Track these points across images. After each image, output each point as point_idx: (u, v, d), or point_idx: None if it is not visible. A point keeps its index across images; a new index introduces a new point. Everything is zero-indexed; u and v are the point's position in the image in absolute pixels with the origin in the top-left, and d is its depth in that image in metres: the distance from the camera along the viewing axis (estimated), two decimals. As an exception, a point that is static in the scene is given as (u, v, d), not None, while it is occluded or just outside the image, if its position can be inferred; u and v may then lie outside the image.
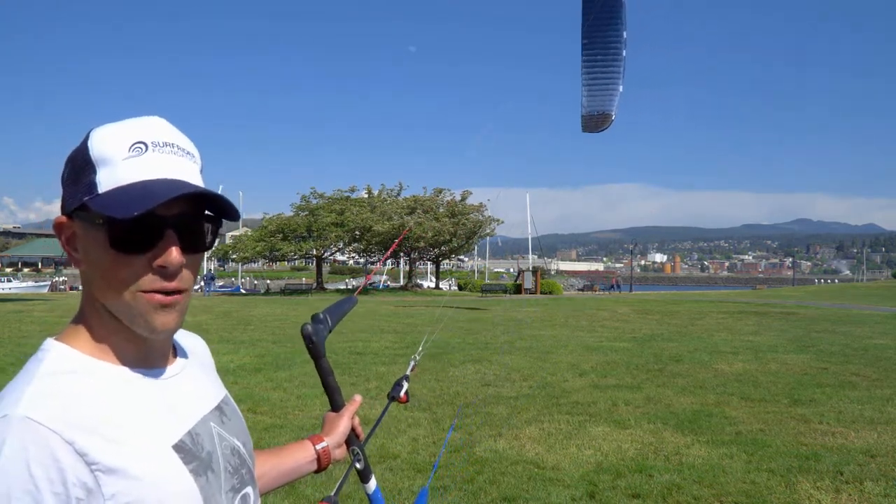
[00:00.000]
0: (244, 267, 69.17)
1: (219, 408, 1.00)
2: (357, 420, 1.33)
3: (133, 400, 0.85)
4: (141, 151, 0.85)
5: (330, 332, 1.34)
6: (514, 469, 5.26)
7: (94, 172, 0.85)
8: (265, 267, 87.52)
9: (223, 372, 10.82)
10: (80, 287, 0.93)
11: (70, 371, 0.83)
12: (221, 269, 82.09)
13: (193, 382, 0.98)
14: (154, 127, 0.89)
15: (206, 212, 0.91)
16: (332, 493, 1.29)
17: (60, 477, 0.74)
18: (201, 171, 0.94)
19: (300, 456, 1.24)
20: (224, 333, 15.33)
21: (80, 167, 0.87)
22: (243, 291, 52.89)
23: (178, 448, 0.86)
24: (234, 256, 51.30)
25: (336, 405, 1.32)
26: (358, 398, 1.36)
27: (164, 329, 0.87)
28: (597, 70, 19.12)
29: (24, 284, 54.14)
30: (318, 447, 1.26)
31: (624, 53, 18.68)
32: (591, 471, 5.22)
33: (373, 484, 1.33)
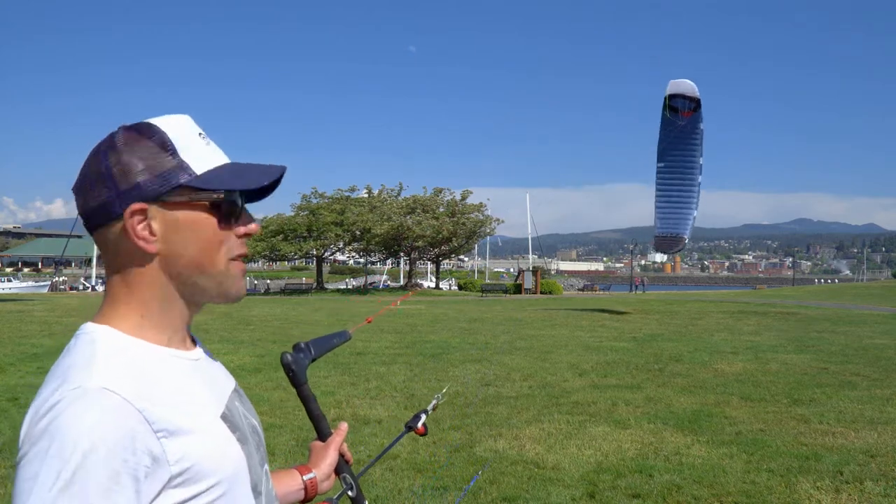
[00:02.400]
0: (244, 267, 69.04)
1: (236, 390, 1.06)
2: (345, 446, 1.32)
3: (180, 376, 0.91)
4: (206, 140, 0.95)
5: (312, 361, 1.34)
6: (514, 469, 5.26)
7: (178, 156, 0.91)
8: (265, 267, 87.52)
9: (223, 372, 10.91)
10: (107, 278, 0.95)
11: (123, 349, 0.88)
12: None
13: (213, 366, 1.04)
14: (192, 122, 0.97)
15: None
16: (335, 497, 1.29)
17: (132, 445, 0.78)
18: None
19: (287, 483, 1.23)
20: (224, 333, 15.33)
21: (155, 153, 0.90)
22: (243, 291, 52.79)
23: (224, 418, 0.93)
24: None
25: (322, 433, 1.30)
26: (344, 426, 1.34)
27: (242, 294, 0.99)
28: (673, 194, 19.46)
29: (24, 284, 54.06)
30: (306, 478, 1.25)
31: (699, 179, 19.01)
32: (591, 471, 5.22)
33: None
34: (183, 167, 0.90)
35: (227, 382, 1.04)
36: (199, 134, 0.95)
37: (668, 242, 20.03)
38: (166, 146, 0.90)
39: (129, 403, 0.80)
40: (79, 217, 0.93)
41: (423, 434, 1.56)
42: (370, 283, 59.98)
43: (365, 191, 52.15)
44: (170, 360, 0.92)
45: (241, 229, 0.96)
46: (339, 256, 71.66)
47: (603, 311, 23.95)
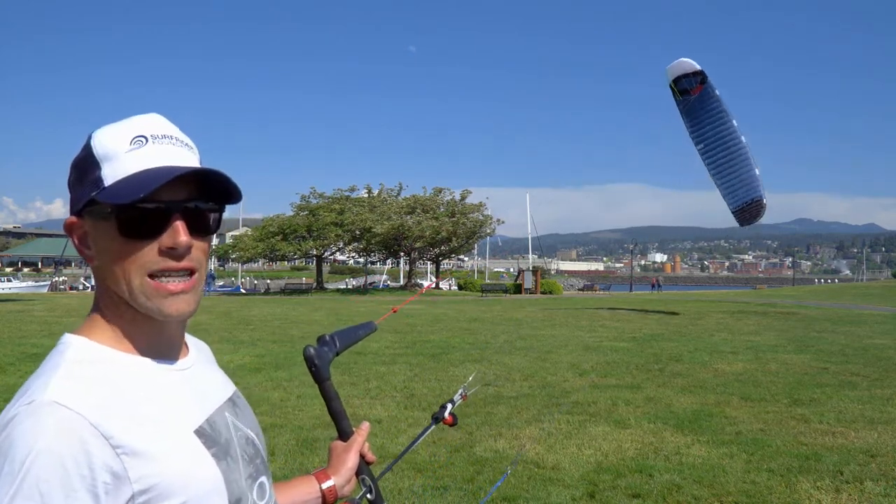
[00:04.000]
0: (244, 267, 69.13)
1: (231, 400, 1.03)
2: (366, 447, 1.28)
3: (154, 387, 0.88)
4: (142, 144, 0.89)
5: (337, 354, 1.27)
6: (514, 469, 5.26)
7: (99, 169, 0.89)
8: (265, 267, 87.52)
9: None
10: (94, 284, 0.97)
11: (93, 360, 0.86)
12: (221, 268, 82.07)
13: (206, 375, 1.01)
14: (152, 122, 0.93)
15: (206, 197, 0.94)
16: (356, 497, 1.27)
17: (87, 460, 0.76)
18: (200, 163, 0.96)
19: (304, 492, 1.20)
20: (224, 333, 15.33)
21: (84, 168, 0.90)
22: (243, 291, 52.88)
23: (200, 433, 0.89)
24: (235, 256, 51.31)
25: (343, 433, 1.25)
26: (366, 425, 1.30)
27: (178, 313, 0.90)
28: (724, 166, 18.87)
29: (24, 284, 54.01)
30: (324, 486, 1.20)
31: (743, 139, 18.45)
32: (591, 471, 5.22)
33: None
34: (97, 179, 0.88)
35: (219, 392, 1.01)
36: (136, 139, 0.89)
37: (748, 212, 19.21)
38: (90, 158, 0.90)
39: (83, 417, 0.77)
40: None
41: (452, 424, 1.51)
42: (370, 283, 59.97)
43: (365, 191, 52.16)
44: (146, 371, 0.89)
45: (165, 241, 0.88)
46: (339, 256, 71.69)
47: (658, 312, 23.69)
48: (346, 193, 51.09)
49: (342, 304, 30.16)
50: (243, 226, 68.49)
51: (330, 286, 54.96)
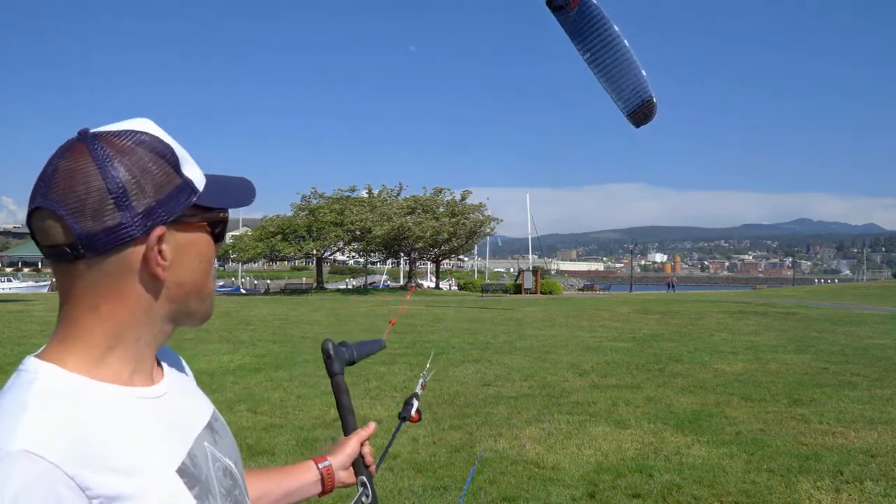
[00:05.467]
0: (244, 267, 69.17)
1: (209, 425, 0.94)
2: (368, 448, 1.26)
3: (133, 422, 0.79)
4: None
5: (350, 363, 1.31)
6: (514, 469, 5.26)
7: (181, 169, 0.83)
8: (265, 267, 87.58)
9: (223, 372, 10.74)
10: (68, 308, 0.82)
11: (64, 395, 0.76)
12: (221, 268, 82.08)
13: (184, 398, 0.93)
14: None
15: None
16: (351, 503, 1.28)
17: None
18: None
19: (303, 476, 1.19)
20: (224, 333, 15.32)
21: (161, 166, 0.81)
22: (243, 291, 52.91)
23: (182, 472, 0.81)
24: (235, 256, 51.36)
25: (348, 427, 1.27)
26: (372, 425, 1.28)
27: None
28: (613, 72, 18.86)
29: (24, 284, 53.93)
30: (321, 466, 1.20)
31: (626, 43, 18.48)
32: (591, 471, 5.22)
33: None
34: (189, 184, 0.83)
35: (198, 418, 0.92)
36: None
37: (641, 113, 19.34)
38: (171, 159, 0.82)
39: (57, 468, 0.69)
40: (55, 246, 0.77)
41: (418, 421, 1.52)
42: (370, 283, 60.03)
43: (365, 191, 52.24)
44: (124, 403, 0.80)
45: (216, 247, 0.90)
46: (339, 256, 71.73)
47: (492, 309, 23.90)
48: (347, 193, 51.16)
49: (342, 305, 30.17)
50: (243, 226, 68.56)
51: (330, 286, 54.99)
